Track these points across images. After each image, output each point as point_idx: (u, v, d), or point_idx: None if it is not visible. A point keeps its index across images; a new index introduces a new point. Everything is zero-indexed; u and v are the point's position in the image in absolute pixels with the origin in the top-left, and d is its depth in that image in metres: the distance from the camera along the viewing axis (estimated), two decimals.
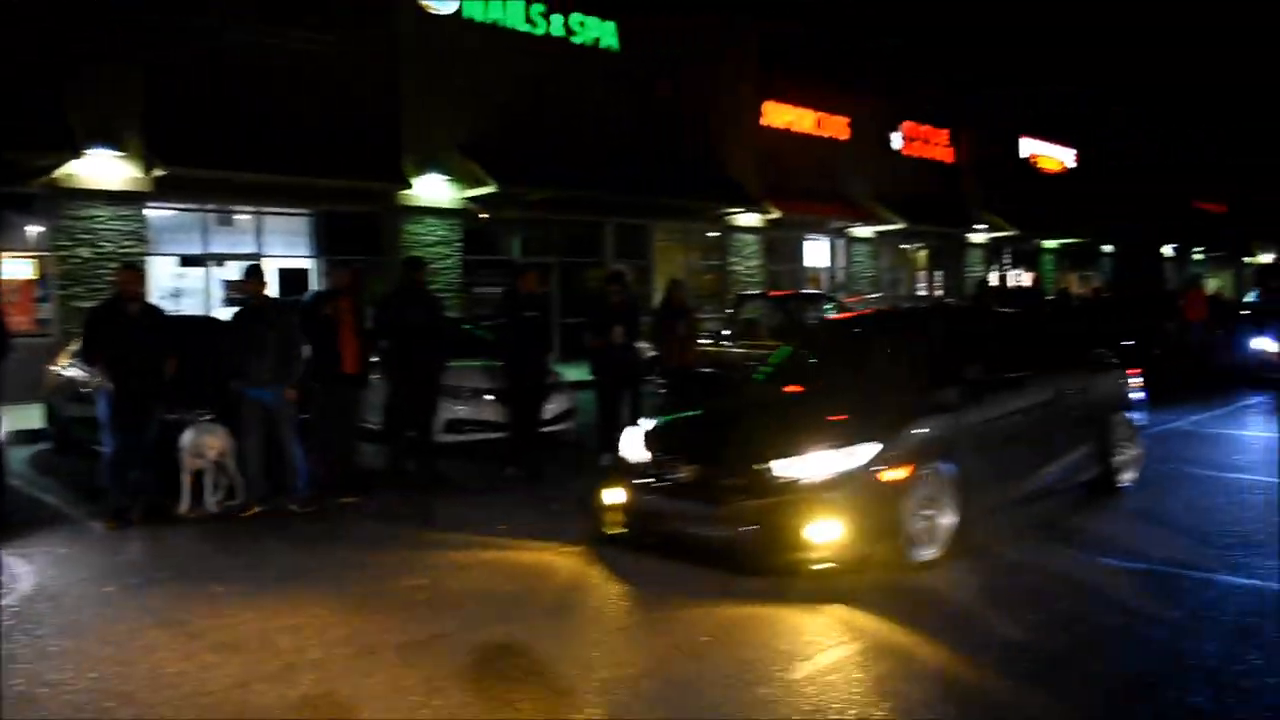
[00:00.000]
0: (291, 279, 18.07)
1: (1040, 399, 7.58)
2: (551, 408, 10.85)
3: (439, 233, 19.88)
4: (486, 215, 20.56)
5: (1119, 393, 8.78)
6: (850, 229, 29.29)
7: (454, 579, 6.48)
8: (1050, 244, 38.12)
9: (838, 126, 28.61)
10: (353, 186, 18.51)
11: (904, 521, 6.21)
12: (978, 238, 34.01)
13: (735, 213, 25.27)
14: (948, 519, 6.52)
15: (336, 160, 17.80)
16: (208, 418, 8.32)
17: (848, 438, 6.23)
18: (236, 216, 18.20)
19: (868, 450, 6.18)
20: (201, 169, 16.31)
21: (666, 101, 23.50)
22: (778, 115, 26.99)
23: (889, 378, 7.84)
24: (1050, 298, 24.88)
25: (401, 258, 13.53)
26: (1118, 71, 39.72)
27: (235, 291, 16.42)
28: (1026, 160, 36.74)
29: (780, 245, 27.96)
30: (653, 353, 12.05)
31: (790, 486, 6.11)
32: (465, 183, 19.83)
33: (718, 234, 25.63)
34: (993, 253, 35.65)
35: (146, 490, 8.15)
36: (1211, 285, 41.48)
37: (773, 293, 21.99)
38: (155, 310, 8.57)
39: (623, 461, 7.06)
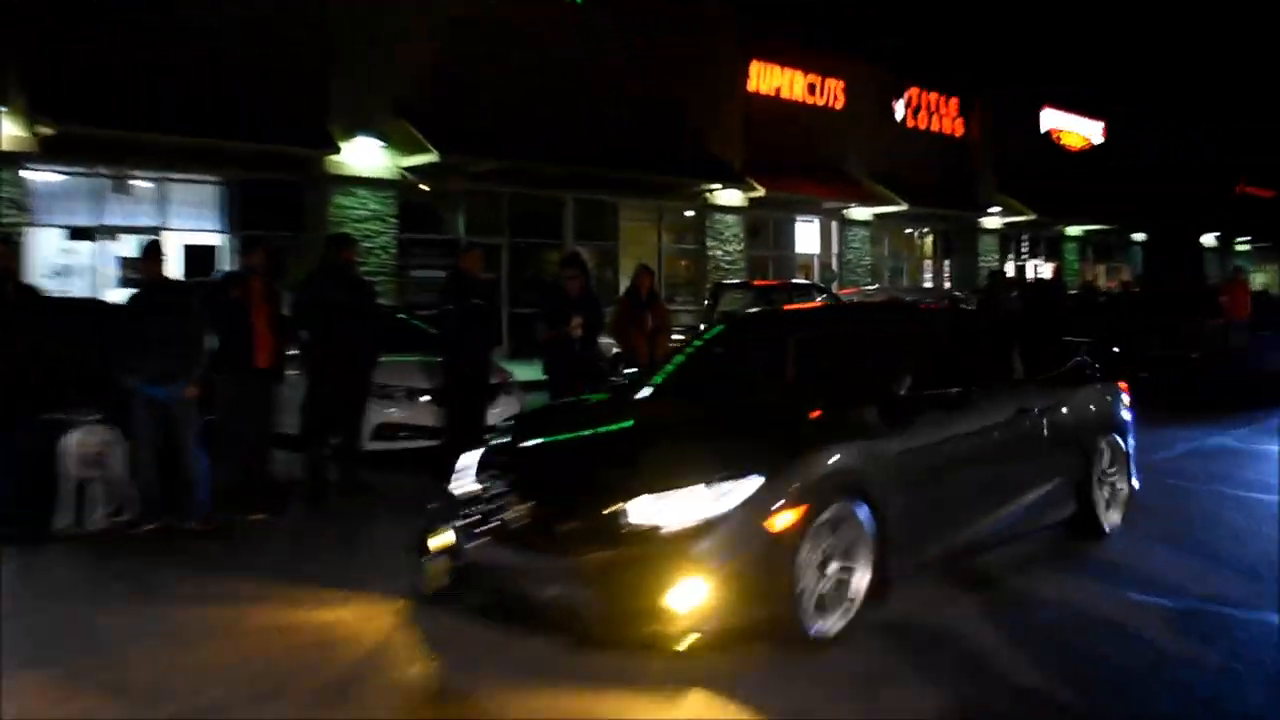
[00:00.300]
0: (197, 257, 17.91)
1: (996, 419, 7.03)
2: (497, 411, 10.77)
3: (371, 206, 19.77)
4: (427, 187, 20.45)
5: (1104, 411, 8.17)
6: (846, 210, 29.44)
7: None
8: (1074, 231, 38.50)
9: (833, 93, 28.73)
10: (271, 151, 18.34)
11: (797, 581, 5.41)
12: (991, 222, 34.27)
13: (715, 189, 25.30)
14: (860, 577, 5.77)
15: (253, 120, 17.63)
16: (95, 418, 8.21)
17: (722, 469, 5.50)
18: (135, 183, 18.02)
19: (746, 486, 5.42)
20: (94, 127, 16.14)
21: (636, 61, 23.45)
22: (765, 79, 27.08)
23: (791, 390, 7.41)
24: (1073, 292, 25.07)
25: (327, 234, 13.41)
26: (1157, 62, 39.93)
27: (131, 270, 16.23)
28: (1048, 135, 36.99)
29: (766, 228, 28.05)
30: (616, 349, 12.00)
31: (647, 535, 5.35)
32: (403, 149, 19.72)
33: (694, 213, 25.65)
34: (1008, 240, 35.92)
35: (19, 501, 7.99)
36: (1258, 280, 41.91)
37: (757, 282, 22.07)
38: (32, 291, 8.51)
39: (450, 496, 6.31)
